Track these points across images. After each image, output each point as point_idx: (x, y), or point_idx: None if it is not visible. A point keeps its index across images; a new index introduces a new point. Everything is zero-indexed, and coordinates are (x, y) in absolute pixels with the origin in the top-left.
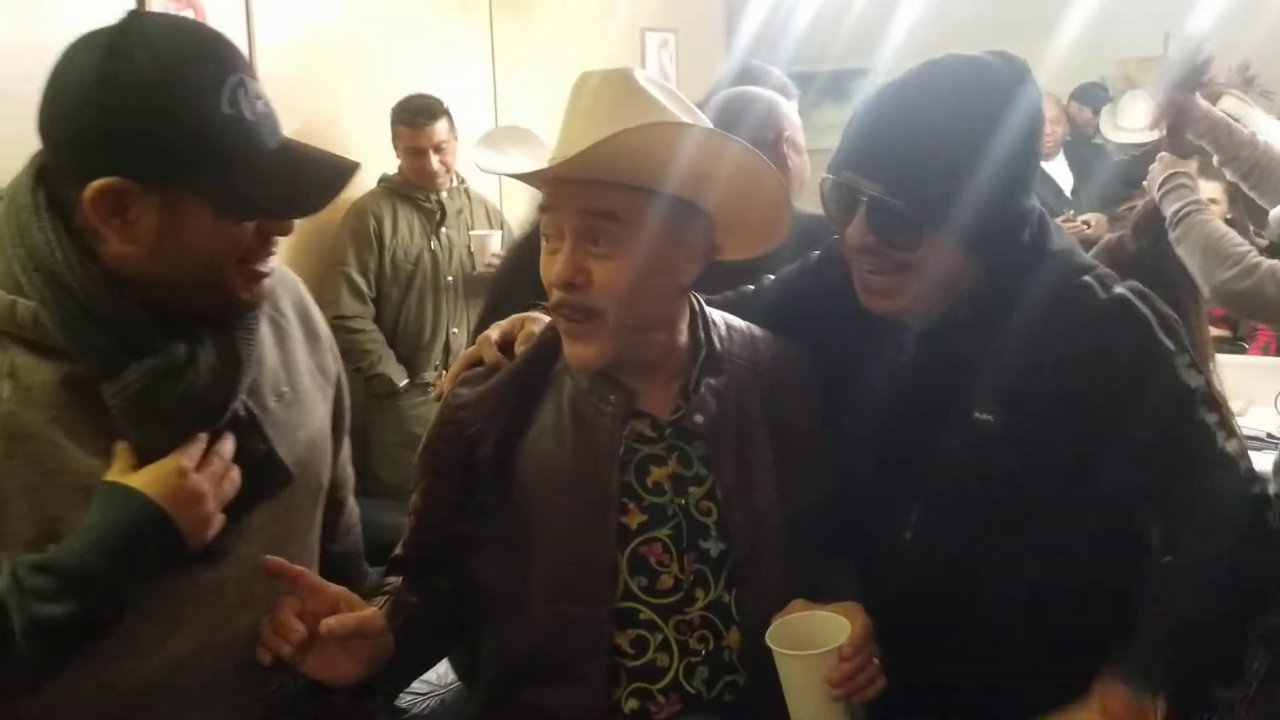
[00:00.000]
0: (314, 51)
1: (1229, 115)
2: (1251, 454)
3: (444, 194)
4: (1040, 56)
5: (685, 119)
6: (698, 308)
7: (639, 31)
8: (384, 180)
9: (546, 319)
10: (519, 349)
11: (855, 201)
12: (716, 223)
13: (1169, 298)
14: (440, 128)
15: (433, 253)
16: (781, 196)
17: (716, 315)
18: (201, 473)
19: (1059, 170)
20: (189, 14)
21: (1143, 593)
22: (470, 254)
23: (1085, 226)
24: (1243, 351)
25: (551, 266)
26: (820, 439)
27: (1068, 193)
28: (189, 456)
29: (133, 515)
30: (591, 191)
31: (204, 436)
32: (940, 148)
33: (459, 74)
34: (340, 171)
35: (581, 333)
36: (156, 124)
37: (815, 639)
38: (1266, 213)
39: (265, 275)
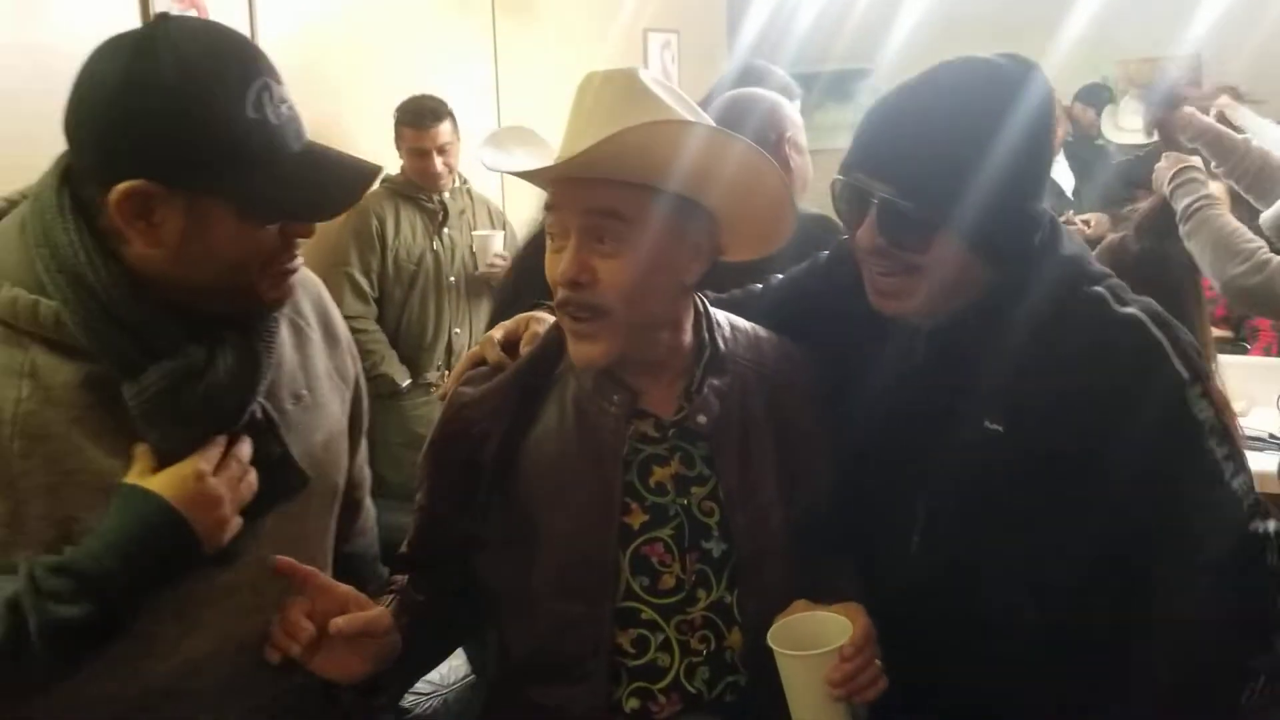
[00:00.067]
0: (317, 52)
1: (1225, 118)
2: (1253, 454)
3: (446, 194)
4: (1042, 57)
5: (689, 118)
6: (702, 308)
7: (641, 32)
8: (386, 181)
9: (551, 319)
10: (523, 349)
11: (866, 203)
12: (721, 221)
13: (1171, 298)
14: (444, 129)
15: (435, 253)
16: (785, 195)
17: (721, 316)
18: (219, 476)
19: (1060, 171)
20: (191, 14)
21: (1140, 632)
22: (472, 254)
23: (1085, 226)
24: (1244, 352)
25: (557, 265)
26: (824, 440)
27: (1069, 193)
28: (207, 460)
29: (149, 518)
30: (596, 190)
31: (222, 439)
32: (951, 150)
33: (462, 74)
34: (362, 174)
35: (587, 332)
36: (181, 127)
37: (817, 639)
38: (1258, 215)
39: (291, 274)
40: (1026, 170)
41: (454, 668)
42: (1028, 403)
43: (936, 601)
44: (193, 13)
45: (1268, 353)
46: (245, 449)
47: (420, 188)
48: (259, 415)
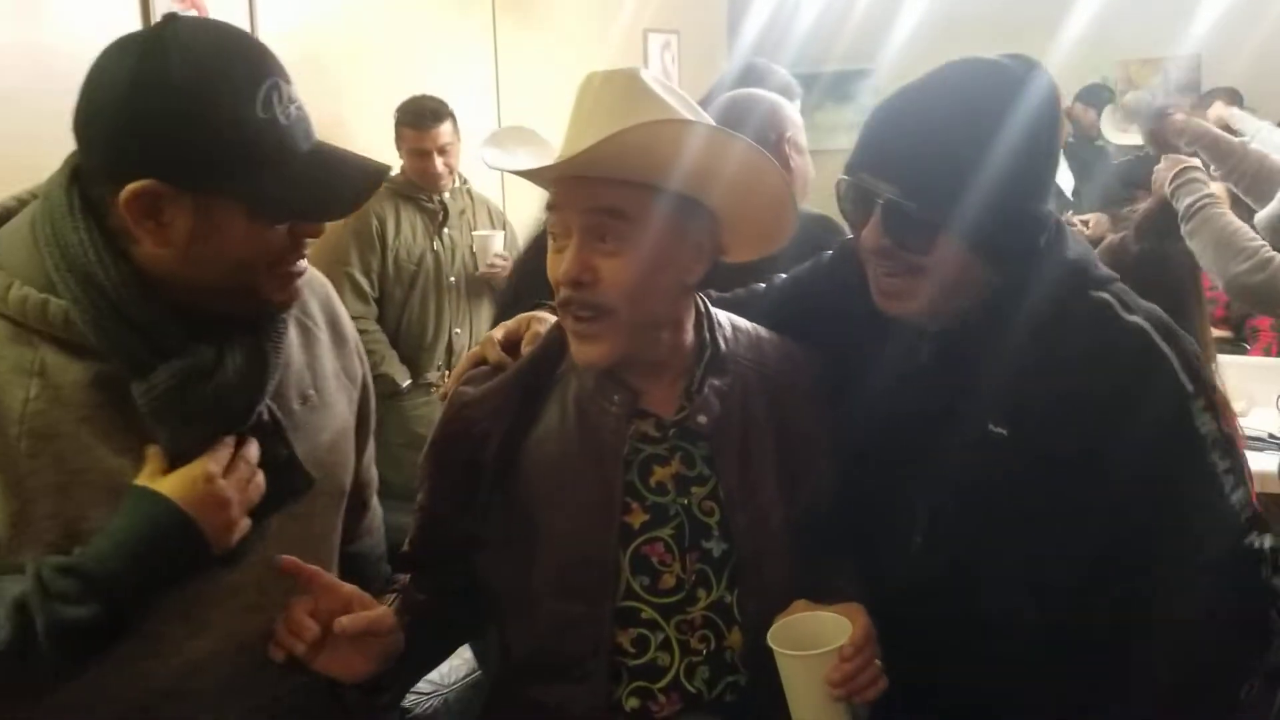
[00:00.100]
0: (317, 51)
1: (1223, 120)
2: (1253, 454)
3: (446, 194)
4: (1043, 57)
5: (691, 118)
6: (703, 308)
7: (641, 33)
8: (387, 181)
9: (552, 319)
10: (525, 349)
11: (871, 203)
12: (722, 221)
13: (1171, 298)
14: (445, 130)
15: (435, 253)
16: (786, 194)
17: (722, 316)
18: (228, 478)
19: (1060, 171)
20: (192, 14)
21: (1137, 638)
22: (473, 254)
23: (1084, 227)
24: (1244, 352)
25: (559, 264)
26: (824, 440)
27: (1069, 194)
28: (216, 462)
29: (158, 520)
30: (598, 189)
31: (231, 441)
32: (955, 151)
33: (462, 75)
34: (371, 174)
35: (590, 332)
36: (191, 127)
37: (817, 639)
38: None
39: (298, 275)
40: (1030, 171)
41: (454, 667)
42: (1031, 406)
43: (937, 601)
44: (193, 12)
45: (1267, 353)
46: (254, 451)
47: (420, 188)
48: (266, 417)
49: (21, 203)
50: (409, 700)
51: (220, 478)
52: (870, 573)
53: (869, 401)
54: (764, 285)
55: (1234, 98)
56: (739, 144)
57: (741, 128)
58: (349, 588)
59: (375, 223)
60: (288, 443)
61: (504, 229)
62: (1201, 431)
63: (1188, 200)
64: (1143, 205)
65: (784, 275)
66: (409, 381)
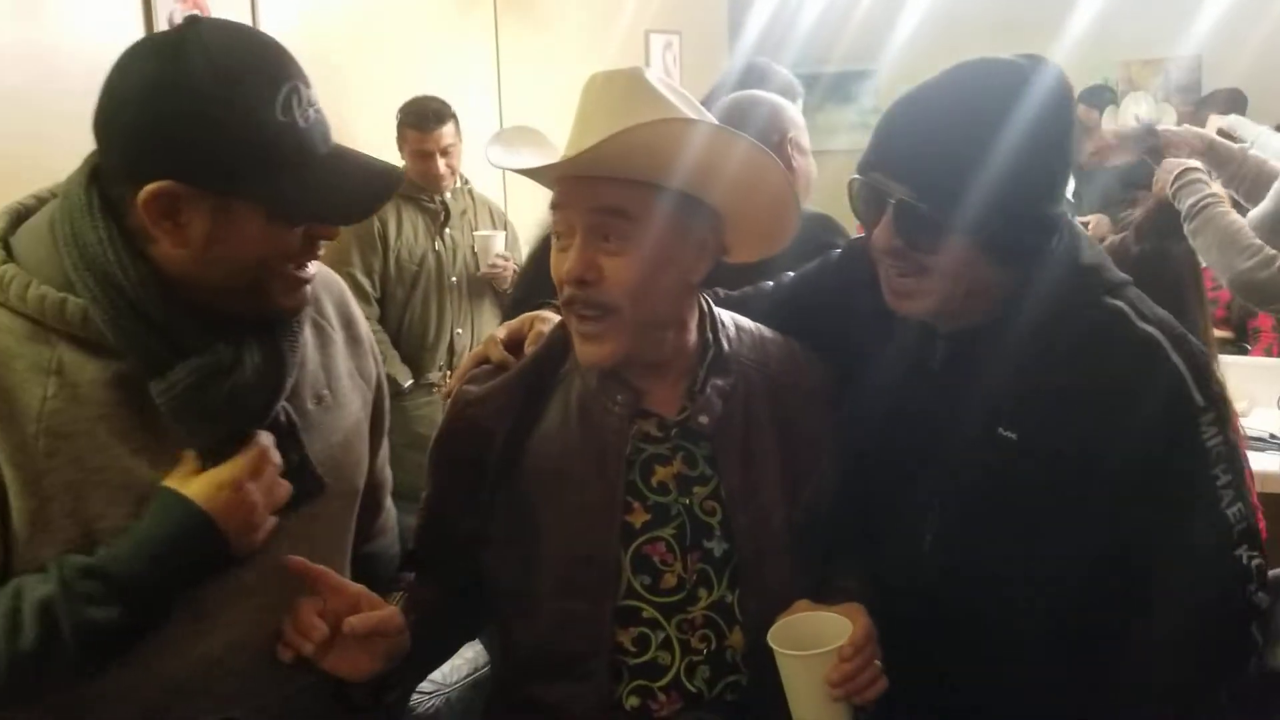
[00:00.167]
0: (319, 52)
1: (1223, 129)
2: (1253, 454)
3: (448, 195)
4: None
5: (694, 117)
6: (706, 308)
7: (643, 33)
8: None
9: (556, 318)
10: (528, 348)
11: (883, 203)
12: (725, 220)
13: (1172, 299)
14: (447, 131)
15: (437, 253)
16: (788, 193)
17: (725, 316)
18: (255, 482)
19: None
20: (195, 14)
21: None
22: (474, 254)
23: (1085, 228)
24: (1245, 353)
25: (563, 264)
26: (827, 441)
27: (1069, 194)
28: (244, 466)
29: (183, 524)
30: (601, 188)
31: (259, 446)
32: (968, 152)
33: (464, 75)
34: (388, 179)
35: (594, 332)
36: (211, 129)
37: (818, 639)
38: None
39: (306, 281)
40: (1043, 173)
41: (456, 667)
42: (1041, 411)
43: (942, 602)
44: (196, 12)
45: (1268, 353)
46: (278, 455)
47: (422, 188)
48: (282, 419)
49: (41, 201)
50: (411, 700)
51: (248, 482)
52: (880, 572)
53: (876, 400)
54: (771, 283)
55: (1236, 99)
56: (742, 143)
57: (744, 129)
58: (356, 587)
59: (377, 223)
60: (301, 446)
61: (505, 229)
62: (1208, 445)
63: (1190, 200)
64: (1141, 208)
65: (791, 273)
66: (411, 382)
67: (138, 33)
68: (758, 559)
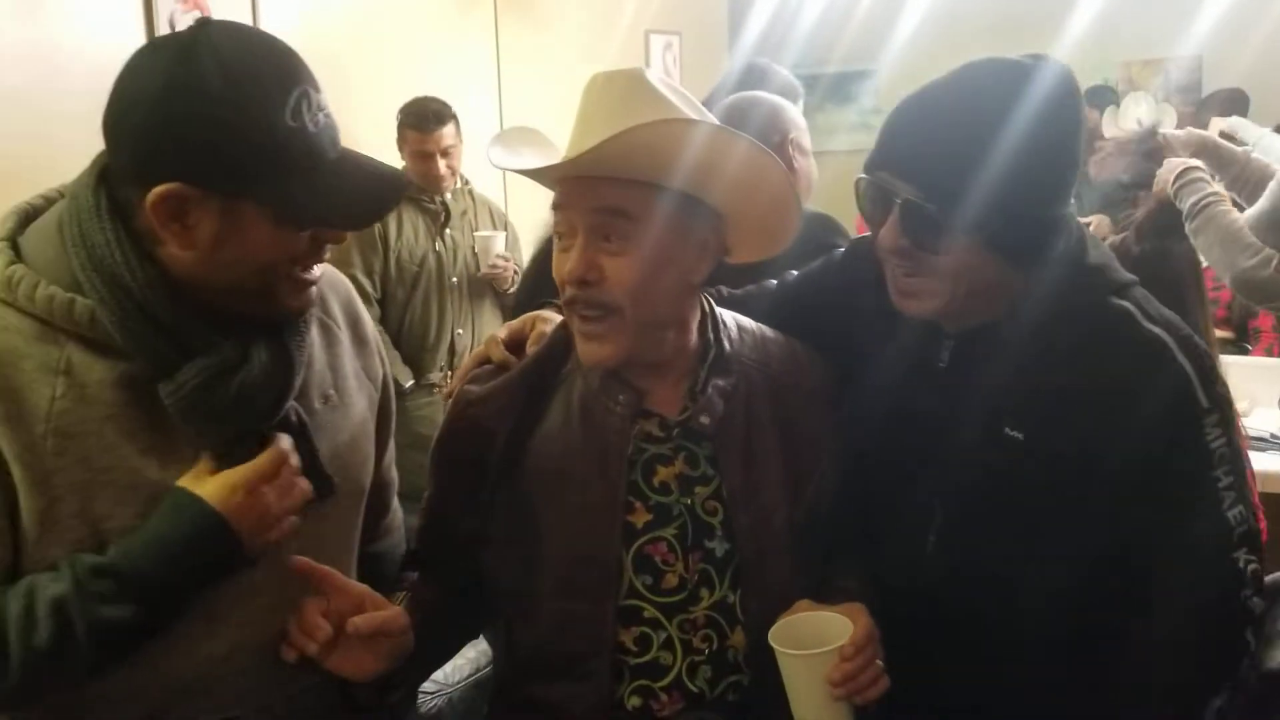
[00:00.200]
0: (319, 52)
1: (1225, 131)
2: (1254, 454)
3: (448, 195)
4: None
5: (695, 117)
6: (707, 308)
7: (643, 34)
8: None
9: (557, 318)
10: (530, 348)
11: (889, 203)
12: (726, 220)
13: (1173, 299)
14: (448, 132)
15: (437, 254)
16: (789, 193)
17: (727, 316)
18: (271, 484)
19: None
20: (195, 15)
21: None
22: (474, 255)
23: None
24: (1246, 353)
25: (564, 264)
26: (828, 441)
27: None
28: (261, 469)
29: (196, 525)
30: (602, 189)
31: (282, 448)
32: (974, 152)
33: (464, 76)
34: (394, 184)
35: (596, 332)
36: (221, 133)
37: (820, 639)
38: None
39: (312, 283)
40: (1050, 174)
41: (458, 666)
42: (1049, 414)
43: (945, 601)
44: (196, 12)
45: (1269, 354)
46: (295, 458)
47: (422, 189)
48: (293, 419)
49: (49, 201)
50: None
51: (263, 484)
52: (882, 571)
53: (878, 399)
54: (775, 282)
55: (1237, 99)
56: (743, 143)
57: (744, 130)
58: (361, 587)
59: (377, 224)
60: (312, 447)
61: (506, 230)
62: (1211, 446)
63: (1192, 199)
64: (1141, 208)
65: (794, 272)
66: (411, 382)
67: (138, 33)
68: (759, 559)
